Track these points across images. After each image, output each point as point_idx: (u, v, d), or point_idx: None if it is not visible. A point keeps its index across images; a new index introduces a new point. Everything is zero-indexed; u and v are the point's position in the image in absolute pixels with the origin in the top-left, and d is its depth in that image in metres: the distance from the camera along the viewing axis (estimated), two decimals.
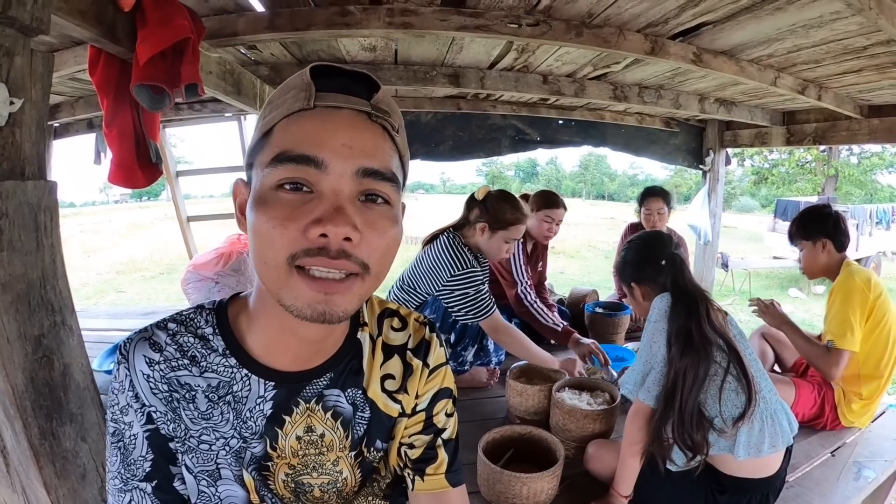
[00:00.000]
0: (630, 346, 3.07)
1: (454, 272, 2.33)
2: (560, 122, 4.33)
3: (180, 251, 5.46)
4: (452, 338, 2.54)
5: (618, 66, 2.95)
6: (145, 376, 0.77)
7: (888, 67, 2.56)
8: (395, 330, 0.94)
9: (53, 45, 2.27)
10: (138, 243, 16.26)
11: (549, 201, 3.21)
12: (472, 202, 2.49)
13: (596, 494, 1.77)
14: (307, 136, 0.65)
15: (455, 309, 2.38)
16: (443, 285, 2.36)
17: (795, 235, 2.46)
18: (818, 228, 2.36)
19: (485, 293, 2.36)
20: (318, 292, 0.64)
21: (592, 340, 2.65)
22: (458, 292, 2.34)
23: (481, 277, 2.39)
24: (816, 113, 3.92)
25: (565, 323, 2.89)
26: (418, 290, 2.49)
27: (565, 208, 3.26)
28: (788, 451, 1.66)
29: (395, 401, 0.91)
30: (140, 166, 1.99)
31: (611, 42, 2.24)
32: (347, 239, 0.63)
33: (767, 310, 2.47)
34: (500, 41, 2.50)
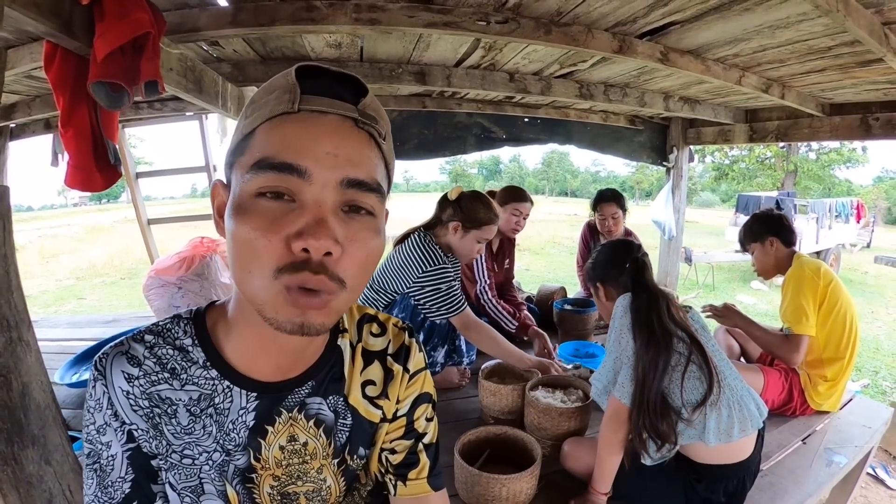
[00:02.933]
0: (599, 340, 3.09)
1: (425, 269, 2.34)
2: (526, 119, 4.35)
3: (141, 255, 5.32)
4: (421, 338, 2.51)
5: (584, 64, 2.97)
6: (124, 393, 0.74)
7: (851, 67, 2.62)
8: (374, 335, 0.93)
9: (8, 40, 2.17)
10: (98, 247, 15.74)
11: (516, 195, 3.31)
12: (444, 202, 2.51)
13: (574, 492, 1.76)
14: (290, 142, 0.62)
15: (427, 306, 2.38)
16: (413, 282, 2.37)
17: (745, 241, 2.64)
18: (764, 229, 2.54)
19: (456, 289, 2.37)
20: (297, 308, 0.62)
21: (543, 333, 2.80)
22: (429, 288, 2.34)
23: (452, 274, 2.41)
24: (779, 111, 4.00)
25: (529, 319, 3.02)
26: (387, 289, 2.49)
27: (531, 202, 3.35)
28: (761, 435, 1.69)
29: (377, 406, 0.91)
30: (98, 168, 1.91)
31: (579, 40, 2.24)
32: (328, 253, 0.61)
33: (722, 313, 2.58)
34: (467, 39, 2.48)
